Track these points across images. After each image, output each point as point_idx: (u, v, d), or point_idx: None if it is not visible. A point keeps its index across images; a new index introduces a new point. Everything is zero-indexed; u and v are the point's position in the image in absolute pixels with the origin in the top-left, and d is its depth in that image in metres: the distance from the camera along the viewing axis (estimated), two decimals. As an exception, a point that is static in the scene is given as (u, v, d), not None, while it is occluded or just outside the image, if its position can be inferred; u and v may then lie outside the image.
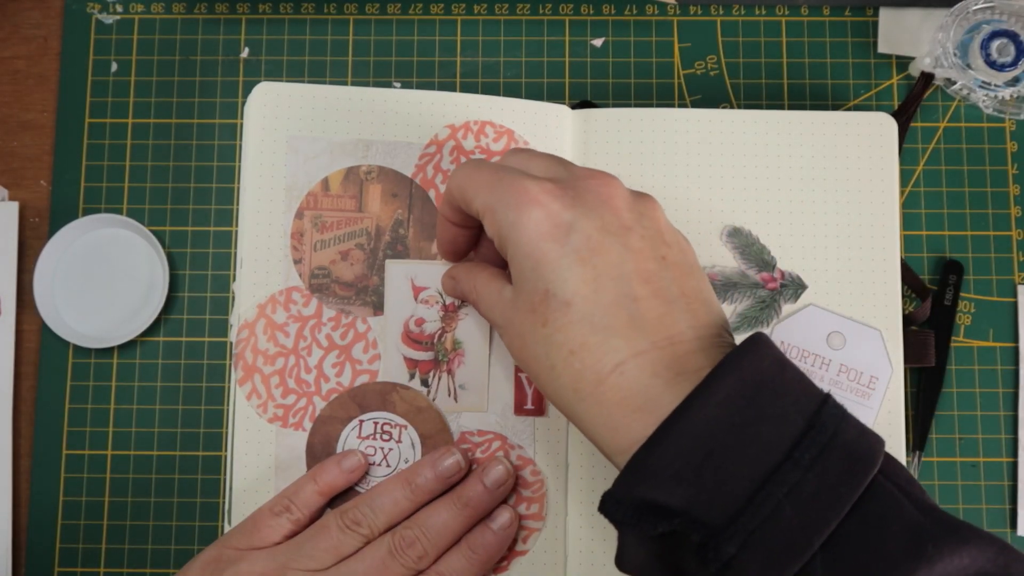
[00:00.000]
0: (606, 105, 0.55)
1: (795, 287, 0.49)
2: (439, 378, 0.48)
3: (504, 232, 0.37)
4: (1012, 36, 0.53)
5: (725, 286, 0.49)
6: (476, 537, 0.44)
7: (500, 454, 0.47)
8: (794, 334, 0.48)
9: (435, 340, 0.48)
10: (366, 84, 0.55)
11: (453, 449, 0.46)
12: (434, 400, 0.48)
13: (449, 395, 0.48)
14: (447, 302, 0.48)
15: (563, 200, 0.37)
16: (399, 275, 0.48)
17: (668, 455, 0.33)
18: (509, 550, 0.46)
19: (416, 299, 0.48)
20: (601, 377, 0.35)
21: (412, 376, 0.48)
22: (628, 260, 0.36)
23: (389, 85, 0.55)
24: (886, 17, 0.56)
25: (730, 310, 0.49)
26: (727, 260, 0.49)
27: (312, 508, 0.45)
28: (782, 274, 0.49)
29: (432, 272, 0.48)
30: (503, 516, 0.45)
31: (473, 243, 0.45)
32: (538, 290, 0.36)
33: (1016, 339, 0.53)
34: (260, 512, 0.44)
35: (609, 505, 0.35)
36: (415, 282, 0.48)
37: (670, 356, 0.35)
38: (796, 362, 0.48)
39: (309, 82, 0.55)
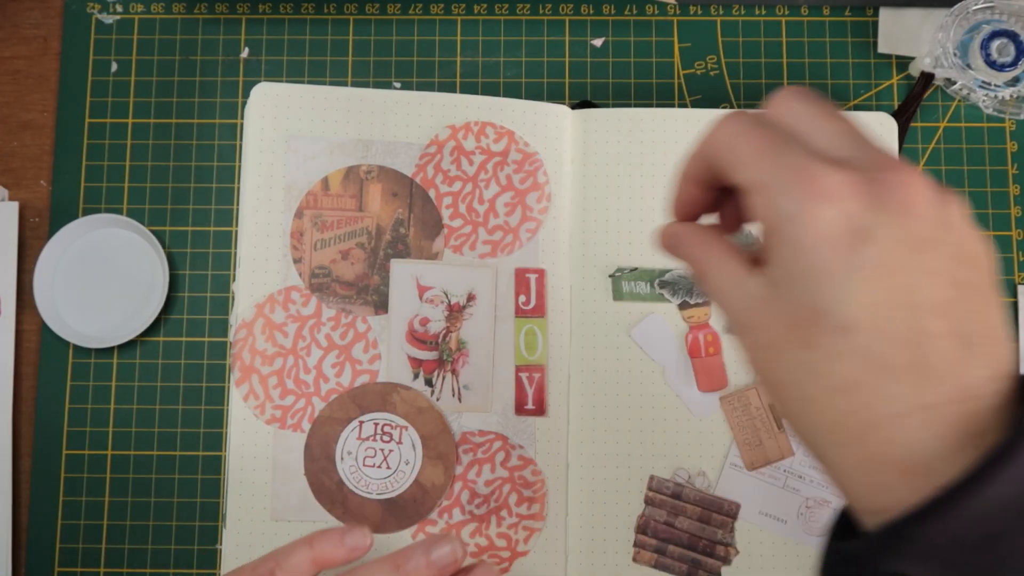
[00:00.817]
0: (606, 105, 0.55)
1: None
2: (443, 378, 0.48)
3: (778, 222, 0.30)
4: (1012, 36, 0.53)
5: None
6: None
7: (455, 535, 0.42)
8: None
9: (439, 340, 0.48)
10: (366, 84, 0.55)
11: (453, 535, 0.41)
12: (438, 400, 0.48)
13: (453, 395, 0.48)
14: (452, 302, 0.48)
15: (862, 199, 0.29)
16: (404, 274, 0.48)
17: (941, 532, 0.27)
18: (510, 551, 0.46)
19: (421, 299, 0.48)
20: (871, 426, 0.29)
21: (416, 375, 0.48)
22: (924, 285, 0.29)
23: (389, 85, 0.55)
24: (886, 17, 0.56)
25: None
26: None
27: None
28: None
29: (437, 272, 0.48)
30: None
31: (714, 206, 0.37)
32: (806, 304, 0.30)
33: (1016, 339, 0.53)
34: (243, 571, 0.39)
35: (837, 567, 0.30)
36: (420, 281, 0.48)
37: (962, 413, 0.29)
38: None
39: (309, 82, 0.55)
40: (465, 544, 0.42)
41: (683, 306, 0.49)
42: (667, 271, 0.49)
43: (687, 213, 0.37)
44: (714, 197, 0.36)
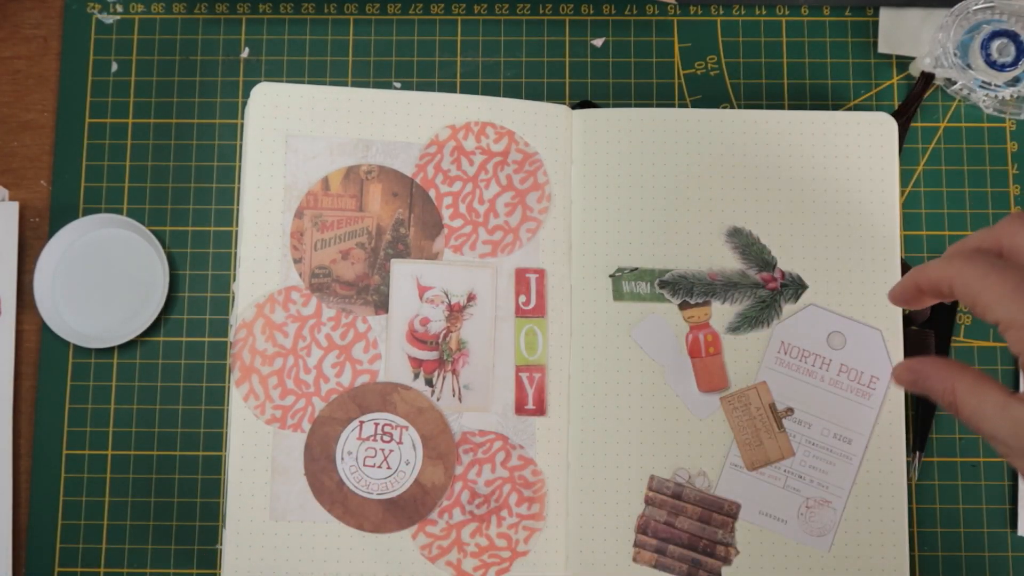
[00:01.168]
0: (606, 105, 0.55)
1: (795, 287, 0.49)
2: (444, 378, 0.48)
3: None
4: (1012, 36, 0.53)
5: (725, 286, 0.49)
6: None
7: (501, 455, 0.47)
8: (795, 334, 0.48)
9: (440, 340, 0.48)
10: (366, 84, 0.55)
11: None
12: (438, 400, 0.48)
13: (453, 395, 0.48)
14: (452, 302, 0.48)
15: None
16: (404, 274, 0.48)
17: None
18: (511, 551, 0.46)
19: (421, 299, 0.48)
20: None
21: (416, 375, 0.48)
22: None
23: (389, 85, 0.55)
24: (886, 17, 0.56)
25: (731, 310, 0.49)
26: (728, 260, 0.49)
27: None
28: (782, 274, 0.49)
29: (437, 272, 0.48)
30: None
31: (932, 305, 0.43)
32: None
33: (1016, 339, 0.53)
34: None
35: None
36: (420, 281, 0.48)
37: None
38: (796, 362, 0.48)
39: (309, 82, 0.55)
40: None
41: (683, 306, 0.49)
42: (667, 271, 0.49)
43: (907, 304, 0.42)
44: (936, 300, 0.41)
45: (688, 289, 0.49)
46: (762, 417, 0.47)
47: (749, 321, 0.49)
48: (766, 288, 0.49)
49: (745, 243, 0.49)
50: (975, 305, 0.38)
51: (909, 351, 0.50)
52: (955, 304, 0.53)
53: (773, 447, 0.47)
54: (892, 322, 0.48)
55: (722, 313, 0.48)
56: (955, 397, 0.39)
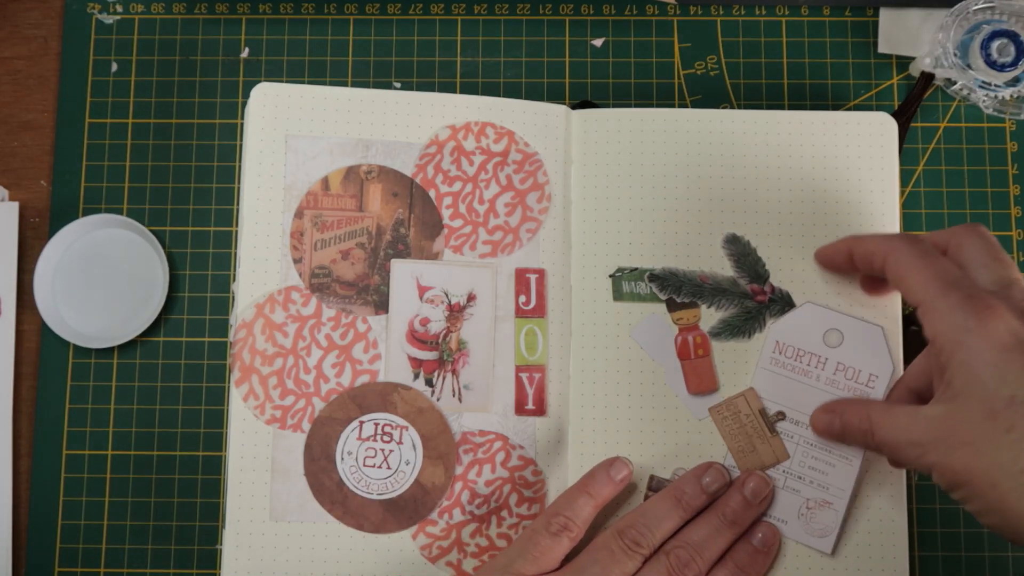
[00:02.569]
0: (606, 105, 0.55)
1: (783, 304, 0.49)
2: (443, 378, 0.48)
3: (955, 334, 0.39)
4: (1012, 36, 0.53)
5: (714, 291, 0.49)
6: (742, 555, 0.45)
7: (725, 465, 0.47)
8: (790, 333, 0.48)
9: (440, 340, 0.48)
10: (366, 84, 0.55)
11: (714, 463, 0.46)
12: (438, 400, 0.48)
13: (454, 395, 0.48)
14: (452, 302, 0.48)
15: (1019, 318, 0.38)
16: (404, 274, 0.48)
17: None
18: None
19: (421, 299, 0.48)
20: None
21: (416, 376, 0.48)
22: None
23: (389, 85, 0.55)
24: (886, 17, 0.56)
25: (716, 315, 0.49)
26: (721, 266, 0.49)
27: (588, 523, 0.45)
28: (772, 288, 0.49)
29: (437, 272, 0.48)
30: (763, 531, 0.46)
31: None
32: (1002, 396, 0.37)
33: (1016, 339, 0.53)
34: (537, 532, 0.44)
35: None
36: (420, 281, 0.48)
37: None
38: (791, 362, 0.48)
39: (309, 82, 0.55)
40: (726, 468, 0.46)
41: (671, 307, 0.49)
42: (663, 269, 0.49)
43: (831, 270, 0.48)
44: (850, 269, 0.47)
45: (677, 287, 0.49)
46: (753, 424, 0.47)
47: (732, 329, 0.48)
48: (754, 300, 0.49)
49: (741, 252, 0.49)
50: (900, 282, 0.42)
51: (910, 352, 0.50)
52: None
53: (767, 452, 0.47)
54: (892, 322, 0.48)
55: (706, 317, 0.48)
56: (871, 423, 0.43)
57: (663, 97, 0.56)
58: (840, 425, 0.45)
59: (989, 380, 0.38)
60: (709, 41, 0.56)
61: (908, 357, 0.50)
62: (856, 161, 0.49)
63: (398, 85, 0.55)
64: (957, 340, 0.38)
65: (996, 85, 0.53)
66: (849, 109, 0.55)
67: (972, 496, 0.38)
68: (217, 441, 0.52)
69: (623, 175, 0.50)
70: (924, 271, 0.41)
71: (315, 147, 0.49)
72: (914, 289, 0.41)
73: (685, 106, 0.55)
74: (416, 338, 0.48)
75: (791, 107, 0.55)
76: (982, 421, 0.37)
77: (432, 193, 0.49)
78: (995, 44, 0.53)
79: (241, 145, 0.51)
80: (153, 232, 0.53)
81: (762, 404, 0.48)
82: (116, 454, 0.52)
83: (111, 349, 0.53)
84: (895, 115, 0.51)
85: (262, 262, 0.48)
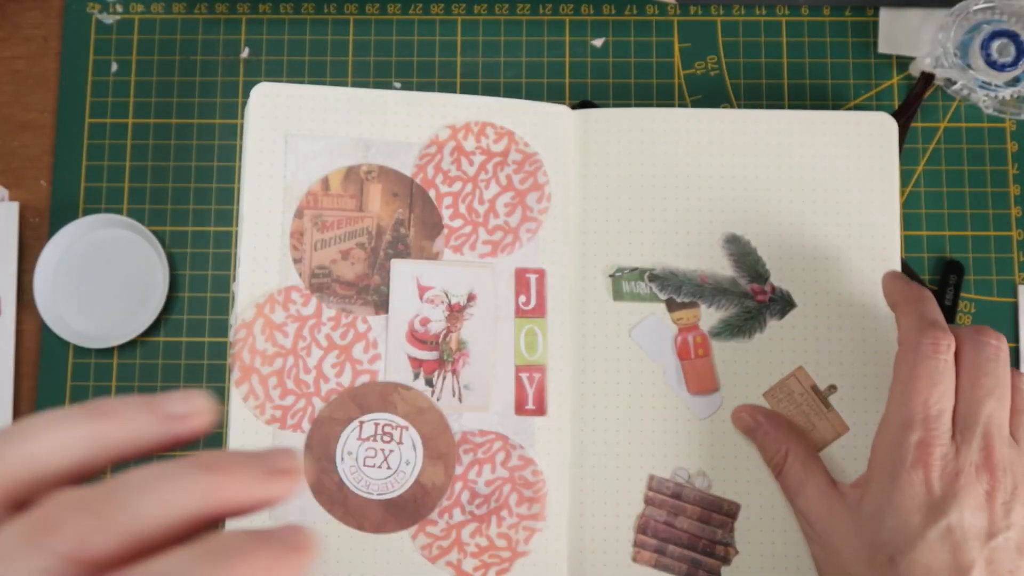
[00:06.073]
0: (606, 105, 0.55)
1: (783, 304, 0.48)
2: (444, 378, 0.48)
3: (890, 463, 0.40)
4: (1012, 36, 0.53)
5: (714, 291, 0.49)
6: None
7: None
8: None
9: (440, 340, 0.48)
10: (366, 84, 0.55)
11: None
12: (438, 400, 0.48)
13: (454, 395, 0.48)
14: (452, 302, 0.48)
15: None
16: (404, 274, 0.48)
17: None
18: (511, 551, 0.46)
19: (421, 298, 0.48)
20: None
21: (416, 376, 0.48)
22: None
23: (389, 85, 0.55)
24: (886, 17, 0.56)
25: (716, 316, 0.49)
26: (721, 266, 0.49)
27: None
28: (773, 288, 0.49)
29: (437, 272, 0.48)
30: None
31: None
32: (886, 550, 0.39)
33: (1016, 339, 0.53)
34: None
35: None
36: (420, 281, 0.48)
37: None
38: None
39: (309, 82, 0.55)
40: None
41: (671, 307, 0.49)
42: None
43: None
44: None
45: (677, 287, 0.49)
46: (808, 401, 0.47)
47: (732, 329, 0.48)
48: (754, 300, 0.49)
49: (741, 252, 0.49)
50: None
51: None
52: (956, 304, 0.53)
53: (827, 427, 0.47)
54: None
55: (706, 317, 0.48)
56: (785, 462, 0.44)
57: (663, 97, 0.56)
58: (757, 438, 0.46)
59: (886, 527, 0.39)
60: (709, 41, 0.56)
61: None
62: (856, 161, 0.49)
63: (398, 85, 0.55)
64: (890, 470, 0.40)
65: (996, 85, 0.53)
66: (849, 109, 0.55)
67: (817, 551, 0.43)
68: (217, 441, 0.52)
69: (623, 175, 0.50)
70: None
71: (315, 147, 0.49)
72: (896, 309, 0.44)
73: (685, 106, 0.55)
74: (416, 338, 0.48)
75: (791, 107, 0.55)
76: (859, 561, 0.40)
77: (432, 193, 0.49)
78: (995, 44, 0.53)
79: (241, 145, 0.51)
80: (153, 232, 0.53)
81: (813, 380, 0.47)
82: (116, 454, 0.52)
83: (111, 349, 0.53)
84: (895, 115, 0.51)
85: (262, 262, 0.48)
